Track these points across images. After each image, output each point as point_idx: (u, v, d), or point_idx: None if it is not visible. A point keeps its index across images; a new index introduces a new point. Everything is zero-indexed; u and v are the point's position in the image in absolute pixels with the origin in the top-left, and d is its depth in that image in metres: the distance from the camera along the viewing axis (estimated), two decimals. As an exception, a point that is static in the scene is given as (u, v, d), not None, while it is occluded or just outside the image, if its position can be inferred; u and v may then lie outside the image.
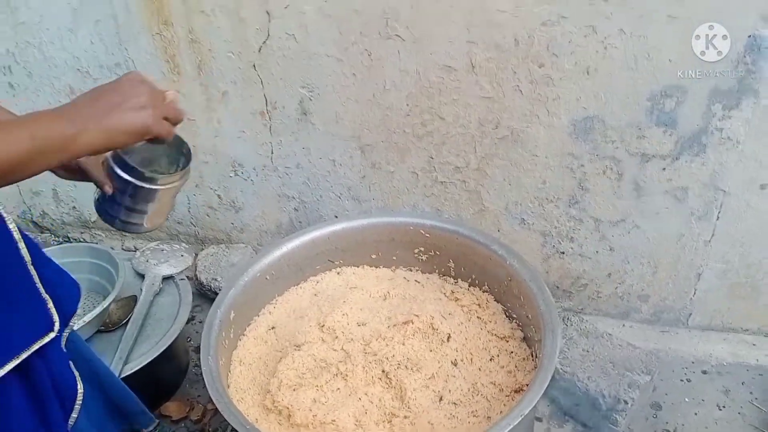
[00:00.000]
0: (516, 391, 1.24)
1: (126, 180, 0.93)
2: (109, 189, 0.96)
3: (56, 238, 2.51)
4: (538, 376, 1.10)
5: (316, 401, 1.20)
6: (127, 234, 1.05)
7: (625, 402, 1.67)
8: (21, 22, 2.01)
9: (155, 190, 0.94)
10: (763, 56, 1.50)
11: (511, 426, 1.01)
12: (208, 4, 1.83)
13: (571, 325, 1.87)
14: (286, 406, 1.19)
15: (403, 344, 1.31)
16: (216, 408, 1.81)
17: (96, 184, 0.99)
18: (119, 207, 0.97)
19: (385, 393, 1.23)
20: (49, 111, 0.81)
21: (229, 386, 1.31)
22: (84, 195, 2.40)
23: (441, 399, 1.22)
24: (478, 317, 1.42)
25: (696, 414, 1.79)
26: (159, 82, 0.93)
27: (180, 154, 0.99)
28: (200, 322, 2.12)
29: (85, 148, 0.81)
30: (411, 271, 1.59)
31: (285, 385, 1.23)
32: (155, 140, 0.87)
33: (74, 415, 1.11)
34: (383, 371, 1.26)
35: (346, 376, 1.25)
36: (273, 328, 1.41)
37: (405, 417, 1.19)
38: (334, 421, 1.16)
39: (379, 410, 1.20)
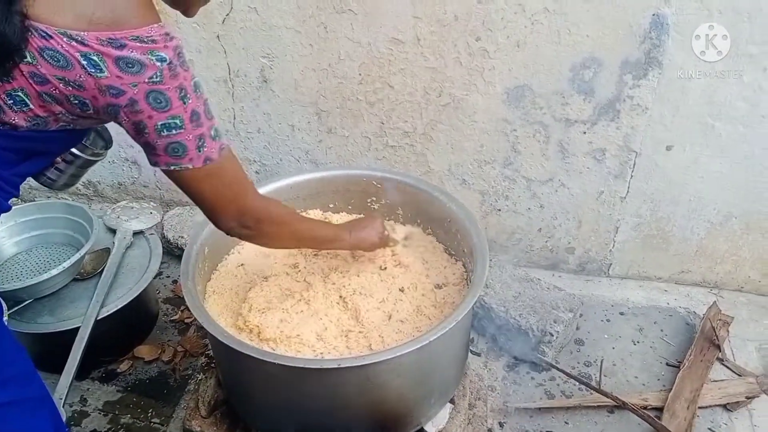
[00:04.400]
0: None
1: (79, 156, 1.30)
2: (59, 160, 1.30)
3: (23, 202, 2.60)
4: (470, 291, 1.32)
5: (283, 321, 1.39)
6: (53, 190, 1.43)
7: (551, 335, 1.91)
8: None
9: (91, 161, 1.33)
10: (665, 32, 1.75)
11: (448, 328, 1.22)
12: (176, -22, 1.98)
13: (506, 272, 2.10)
14: (256, 325, 1.38)
15: (358, 276, 1.51)
16: (185, 350, 1.99)
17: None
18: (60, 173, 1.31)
19: (342, 314, 1.43)
20: (344, 230, 1.43)
21: (204, 312, 1.48)
22: (50, 161, 2.51)
23: (390, 318, 1.42)
24: (422, 257, 1.63)
25: (614, 348, 2.04)
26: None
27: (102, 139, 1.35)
28: (168, 277, 2.27)
29: (341, 250, 1.55)
30: (365, 219, 1.78)
31: (255, 309, 1.42)
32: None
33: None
34: (341, 297, 1.46)
35: (309, 301, 1.44)
36: (242, 265, 1.59)
37: (359, 332, 1.38)
38: (298, 335, 1.35)
39: (337, 327, 1.40)
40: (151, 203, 2.23)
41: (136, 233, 2.05)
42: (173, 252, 2.27)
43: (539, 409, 1.82)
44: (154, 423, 1.76)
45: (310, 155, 2.24)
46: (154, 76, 0.95)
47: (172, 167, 1.05)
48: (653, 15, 1.74)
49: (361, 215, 1.69)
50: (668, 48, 1.78)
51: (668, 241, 2.17)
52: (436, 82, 1.99)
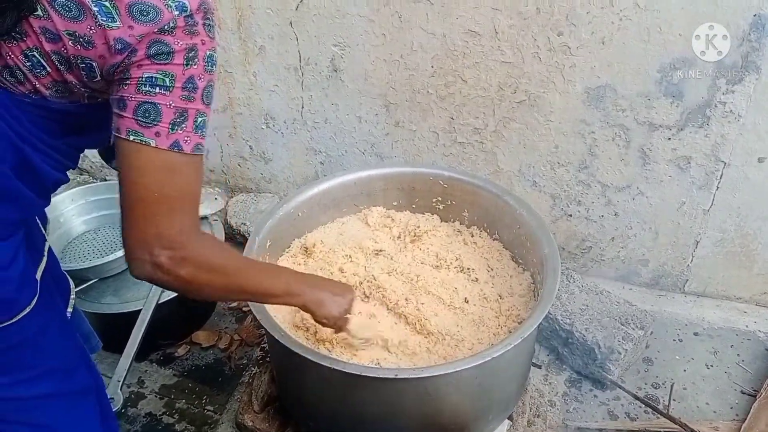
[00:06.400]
0: (520, 324, 1.38)
1: None
2: None
3: (95, 180, 2.67)
4: (537, 307, 1.24)
5: (340, 322, 1.36)
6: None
7: (619, 353, 1.80)
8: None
9: None
10: (766, 34, 1.61)
11: (512, 345, 1.15)
12: (251, -37, 1.96)
13: (573, 282, 2.00)
14: (314, 324, 1.35)
15: (418, 280, 1.45)
16: (241, 339, 1.99)
17: None
18: None
19: (400, 320, 1.38)
20: (302, 283, 1.19)
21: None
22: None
23: (450, 327, 1.37)
24: (488, 263, 1.56)
25: (685, 371, 1.92)
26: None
27: None
28: (228, 263, 2.28)
29: (288, 305, 1.24)
30: (429, 219, 1.72)
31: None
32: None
33: (69, 309, 1.23)
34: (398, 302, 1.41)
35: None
36: (305, 253, 1.56)
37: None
38: (355, 338, 1.32)
39: (395, 333, 1.35)
40: (216, 189, 2.24)
41: (200, 218, 2.05)
42: (235, 239, 2.27)
43: (601, 430, 1.72)
44: (208, 410, 1.77)
45: (376, 148, 2.19)
46: (166, 26, 0.84)
47: (132, 137, 0.87)
48: (754, 15, 1.60)
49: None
50: (767, 52, 1.64)
51: (752, 260, 2.02)
52: (512, 78, 1.90)
